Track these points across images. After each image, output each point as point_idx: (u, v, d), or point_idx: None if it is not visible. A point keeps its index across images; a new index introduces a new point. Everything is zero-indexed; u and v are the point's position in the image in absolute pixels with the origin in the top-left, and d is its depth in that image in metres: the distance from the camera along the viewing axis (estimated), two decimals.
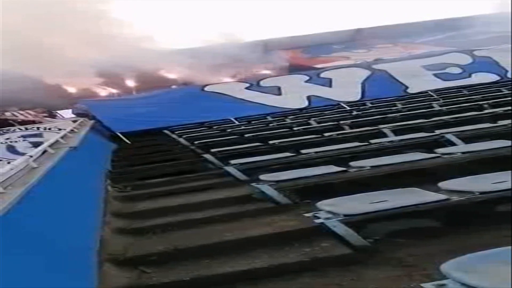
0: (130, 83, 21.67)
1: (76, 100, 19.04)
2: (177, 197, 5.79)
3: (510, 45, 17.41)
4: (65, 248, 3.55)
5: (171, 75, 22.04)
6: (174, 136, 12.36)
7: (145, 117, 14.17)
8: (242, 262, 3.51)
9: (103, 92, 21.95)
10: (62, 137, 7.57)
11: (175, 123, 13.80)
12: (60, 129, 9.84)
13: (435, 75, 15.86)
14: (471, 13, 26.77)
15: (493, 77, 15.47)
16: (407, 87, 15.42)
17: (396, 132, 8.16)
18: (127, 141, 12.67)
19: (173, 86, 20.51)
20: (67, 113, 19.25)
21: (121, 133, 13.13)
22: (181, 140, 11.37)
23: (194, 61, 20.66)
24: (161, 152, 10.02)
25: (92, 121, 13.60)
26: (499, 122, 7.42)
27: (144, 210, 5.40)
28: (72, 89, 21.15)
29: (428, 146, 6.18)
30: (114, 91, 21.95)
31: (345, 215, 3.52)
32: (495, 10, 25.66)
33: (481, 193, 3.54)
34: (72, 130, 9.38)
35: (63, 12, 19.29)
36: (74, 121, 13.10)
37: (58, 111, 19.99)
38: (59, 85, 20.57)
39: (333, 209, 3.63)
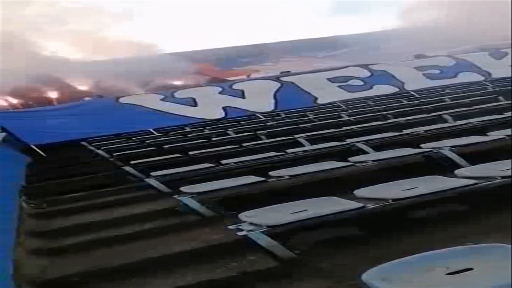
0: (45, 95, 20.74)
1: None
2: (97, 212, 5.62)
3: (403, 61, 19.00)
4: None
5: (83, 87, 21.36)
6: (92, 148, 11.97)
7: (60, 129, 13.62)
8: (168, 280, 3.46)
9: (6, 103, 20.79)
10: None
11: (90, 135, 13.37)
12: None
13: (339, 87, 16.75)
14: (364, 31, 29.12)
15: (392, 89, 16.61)
16: (316, 98, 16.11)
17: (310, 141, 8.46)
18: (42, 153, 12.07)
19: (86, 98, 19.87)
20: None
21: (35, 145, 12.49)
22: (100, 152, 11.02)
23: (106, 73, 20.20)
24: (79, 165, 9.66)
25: (3, 134, 12.78)
26: (404, 131, 7.92)
27: (61, 227, 5.19)
28: None
29: (341, 154, 6.45)
30: (19, 102, 20.84)
31: (268, 226, 3.55)
32: (390, 27, 28.01)
33: (394, 200, 3.78)
34: None
35: None
36: None
37: None
38: None
39: (255, 220, 3.65)
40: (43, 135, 13.14)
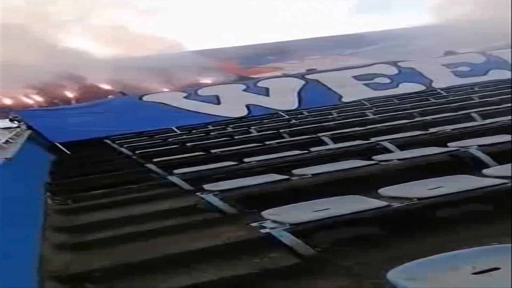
0: (68, 93, 21.08)
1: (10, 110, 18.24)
2: (120, 209, 5.66)
3: (432, 58, 18.62)
4: (2, 266, 3.40)
5: (106, 85, 21.63)
6: (115, 145, 12.09)
7: (83, 127, 13.79)
8: (189, 276, 3.47)
9: (33, 101, 21.19)
10: None
11: (114, 133, 13.51)
12: None
13: (365, 84, 16.52)
14: (393, 27, 28.61)
15: (419, 87, 16.32)
16: (341, 96, 15.94)
17: (334, 139, 8.39)
18: (67, 151, 12.27)
19: (110, 96, 20.11)
20: (2, 123, 18.33)
21: (60, 143, 12.69)
22: (123, 149, 11.13)
23: (129, 70, 20.39)
24: (103, 162, 9.76)
25: (29, 131, 13.03)
26: (430, 129, 7.80)
27: (86, 223, 5.25)
28: (5, 99, 20.29)
29: (365, 153, 6.38)
30: (44, 100, 21.25)
31: (290, 224, 3.55)
32: (418, 24, 27.48)
33: (419, 199, 3.71)
34: (7, 141, 8.93)
35: None
36: (10, 131, 12.49)
37: None
38: None
39: (278, 218, 3.65)
40: (67, 133, 13.33)
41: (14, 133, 11.65)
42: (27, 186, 6.62)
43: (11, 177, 6.00)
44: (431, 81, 16.57)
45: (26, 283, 3.45)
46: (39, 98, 21.26)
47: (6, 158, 6.24)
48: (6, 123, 16.42)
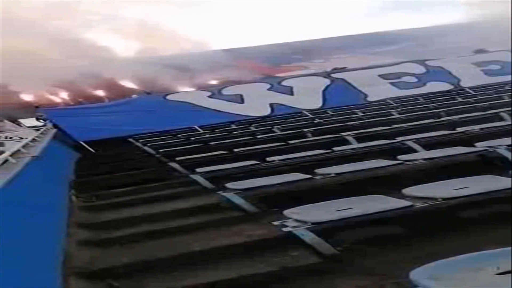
0: (94, 91, 21.39)
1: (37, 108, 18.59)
2: (143, 206, 5.71)
3: (461, 56, 18.20)
4: (28, 261, 3.45)
5: (132, 84, 21.85)
6: (138, 144, 12.23)
7: (108, 126, 13.95)
8: (211, 273, 3.48)
9: (60, 99, 21.56)
10: (23, 146, 7.34)
11: (138, 132, 13.67)
12: (21, 138, 9.52)
13: (391, 83, 16.29)
14: (423, 25, 28.06)
15: (447, 86, 16.01)
16: (366, 95, 15.76)
17: (358, 139, 8.31)
18: (91, 149, 12.45)
19: (134, 95, 20.33)
20: (29, 122, 18.75)
21: (85, 141, 12.89)
22: (146, 148, 11.24)
23: (155, 69, 20.53)
24: (126, 161, 9.87)
25: (54, 130, 13.28)
26: (457, 129, 7.65)
27: (109, 220, 5.31)
28: (31, 97, 20.70)
29: (390, 153, 6.30)
30: (71, 99, 21.61)
31: (312, 223, 3.54)
32: (448, 22, 26.87)
33: (444, 199, 3.64)
34: (34, 139, 9.10)
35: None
36: (37, 130, 12.74)
37: (20, 120, 19.49)
38: (19, 93, 20.10)
39: (300, 217, 3.64)
40: (92, 131, 13.50)
41: (40, 131, 11.89)
42: (52, 183, 6.73)
43: (37, 174, 6.10)
44: (460, 80, 16.24)
45: (50, 278, 3.49)
46: (66, 96, 21.61)
47: (33, 156, 6.35)
48: (33, 121, 16.80)
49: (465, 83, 16.04)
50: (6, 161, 5.65)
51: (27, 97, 21.02)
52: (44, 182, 6.29)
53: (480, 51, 20.44)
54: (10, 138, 10.50)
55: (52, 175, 7.43)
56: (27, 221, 4.20)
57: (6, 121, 17.59)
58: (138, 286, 3.52)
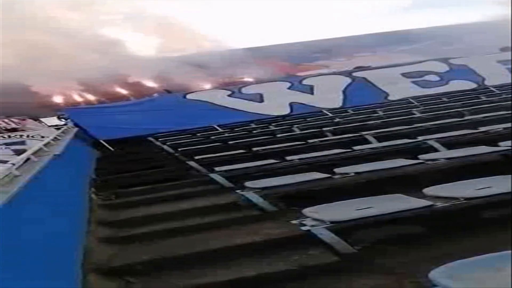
0: (115, 90, 21.61)
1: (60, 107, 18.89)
2: (162, 205, 5.75)
3: (486, 54, 17.85)
4: (48, 257, 3.49)
5: (152, 83, 21.99)
6: (158, 143, 12.31)
7: (128, 125, 14.08)
8: (229, 271, 3.49)
9: (82, 99, 21.84)
10: (45, 145, 7.44)
11: (158, 131, 13.76)
12: (43, 137, 9.68)
13: (413, 82, 16.06)
14: (446, 23, 27.56)
15: (471, 85, 15.74)
16: (387, 94, 15.59)
17: (378, 138, 8.22)
18: (111, 148, 12.59)
19: (155, 94, 20.48)
20: (51, 121, 19.06)
21: (105, 140, 13.03)
22: (165, 147, 11.31)
23: (175, 68, 20.62)
24: (146, 160, 9.95)
25: (75, 129, 13.46)
26: (480, 128, 7.52)
27: (129, 218, 5.35)
28: (55, 97, 21.01)
29: (411, 152, 6.22)
30: (92, 98, 21.86)
31: (331, 222, 3.53)
32: (472, 21, 26.38)
33: (466, 199, 3.58)
34: (55, 138, 9.23)
35: None
36: (58, 129, 12.93)
37: (42, 119, 19.82)
38: (40, 91, 20.41)
39: (319, 216, 3.63)
40: (112, 130, 13.64)
41: (61, 130, 12.06)
42: (73, 181, 6.81)
43: (58, 172, 6.18)
44: (484, 78, 15.95)
45: (70, 274, 3.53)
46: (88, 96, 21.87)
47: (54, 154, 6.43)
48: (54, 120, 17.06)
49: (490, 81, 15.74)
50: (28, 159, 5.73)
51: (48, 96, 21.33)
52: (65, 179, 6.37)
53: (506, 49, 20.02)
54: (32, 137, 10.69)
55: (73, 173, 7.52)
56: (49, 219, 4.25)
57: (28, 119, 17.94)
58: (157, 283, 3.54)
